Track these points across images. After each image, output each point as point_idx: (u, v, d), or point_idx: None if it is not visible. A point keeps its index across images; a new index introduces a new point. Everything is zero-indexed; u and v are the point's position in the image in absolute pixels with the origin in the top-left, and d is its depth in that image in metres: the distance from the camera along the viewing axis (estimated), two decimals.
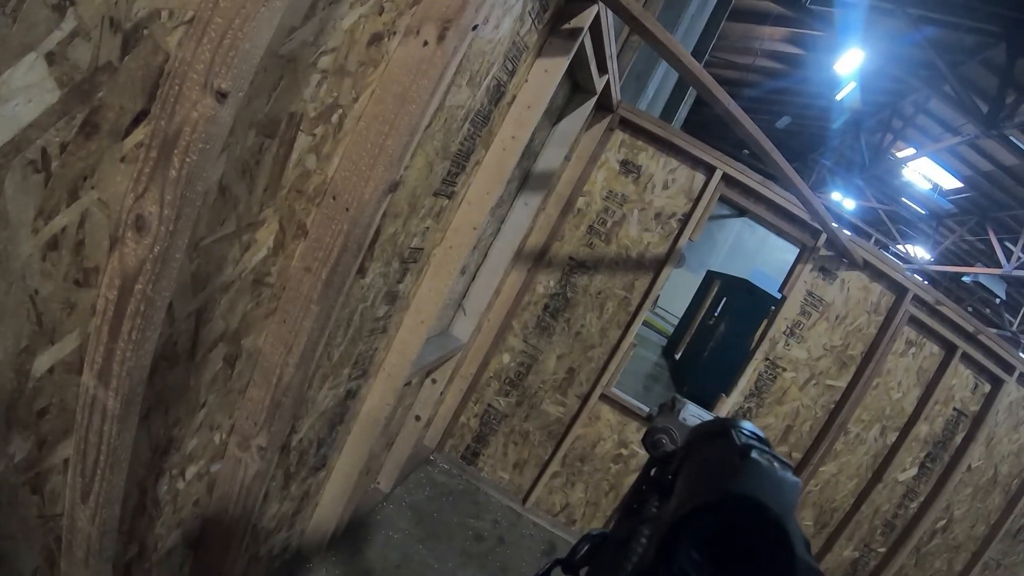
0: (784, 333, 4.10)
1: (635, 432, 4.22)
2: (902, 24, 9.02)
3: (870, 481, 4.34)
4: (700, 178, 3.99)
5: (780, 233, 4.13)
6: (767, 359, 4.13)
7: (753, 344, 4.23)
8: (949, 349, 4.18)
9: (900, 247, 18.16)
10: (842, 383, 4.17)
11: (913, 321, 4.10)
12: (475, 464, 4.38)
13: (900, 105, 12.10)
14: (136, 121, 0.96)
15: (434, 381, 3.49)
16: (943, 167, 12.85)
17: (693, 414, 1.03)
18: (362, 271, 1.95)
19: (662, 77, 6.38)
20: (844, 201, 17.73)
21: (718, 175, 3.93)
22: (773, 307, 10.94)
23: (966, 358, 4.20)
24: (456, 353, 3.48)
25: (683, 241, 3.98)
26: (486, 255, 3.47)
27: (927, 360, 4.21)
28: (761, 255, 20.80)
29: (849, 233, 3.97)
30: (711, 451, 0.66)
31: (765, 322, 4.25)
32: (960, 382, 4.27)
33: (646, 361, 12.92)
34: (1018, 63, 8.07)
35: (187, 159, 0.97)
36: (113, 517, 1.22)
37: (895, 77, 10.85)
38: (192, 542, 1.78)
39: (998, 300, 15.23)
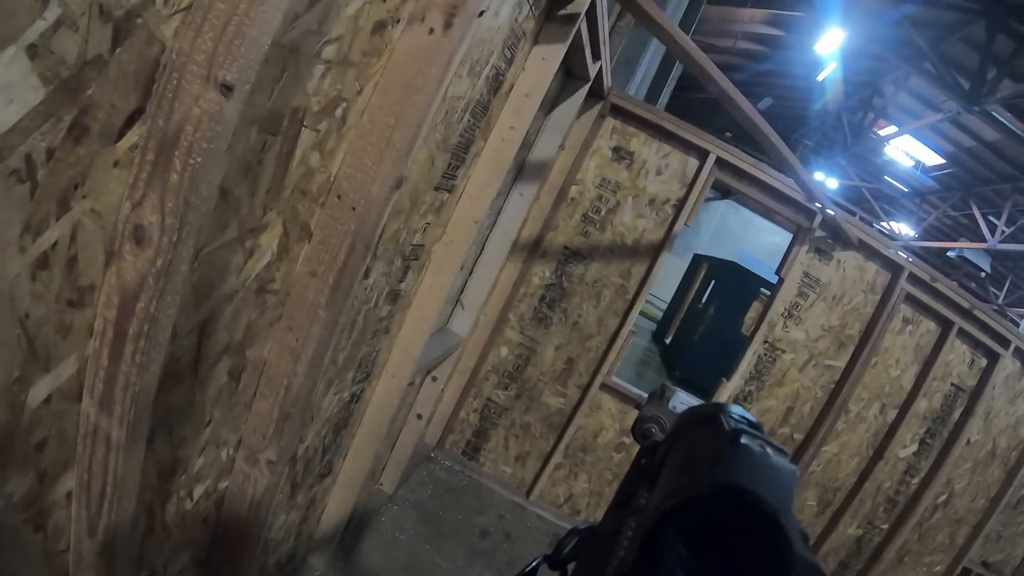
0: (782, 315, 4.09)
1: None
2: (881, 2, 9.03)
3: (871, 459, 4.35)
4: (693, 163, 3.97)
5: (774, 215, 4.11)
6: (766, 342, 4.12)
7: (751, 327, 4.23)
8: (945, 325, 4.19)
9: (884, 224, 18.26)
10: (841, 363, 4.17)
11: (909, 299, 4.10)
12: (476, 459, 4.35)
13: (881, 84, 12.12)
14: (130, 121, 0.87)
15: (434, 378, 3.45)
16: (925, 144, 12.89)
17: (683, 401, 0.99)
18: (366, 272, 1.89)
19: (649, 62, 6.33)
20: (827, 181, 17.80)
21: (712, 159, 3.90)
22: (763, 288, 10.97)
23: (962, 333, 4.21)
24: (456, 349, 3.45)
25: (679, 227, 3.96)
26: (483, 248, 3.43)
27: (924, 337, 4.22)
28: (747, 236, 20.83)
29: (841, 212, 3.94)
30: (698, 438, 0.62)
31: (762, 305, 4.24)
32: (957, 357, 4.28)
33: (636, 346, 12.93)
34: (997, 39, 8.07)
35: (190, 161, 0.88)
36: (123, 548, 1.15)
37: (876, 56, 10.85)
38: (201, 561, 1.72)
39: (983, 274, 15.35)
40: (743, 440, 0.52)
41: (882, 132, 13.39)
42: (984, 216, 13.63)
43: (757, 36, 12.74)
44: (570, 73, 3.27)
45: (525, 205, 3.39)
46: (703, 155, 3.93)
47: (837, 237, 3.99)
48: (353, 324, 2.00)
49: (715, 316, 10.79)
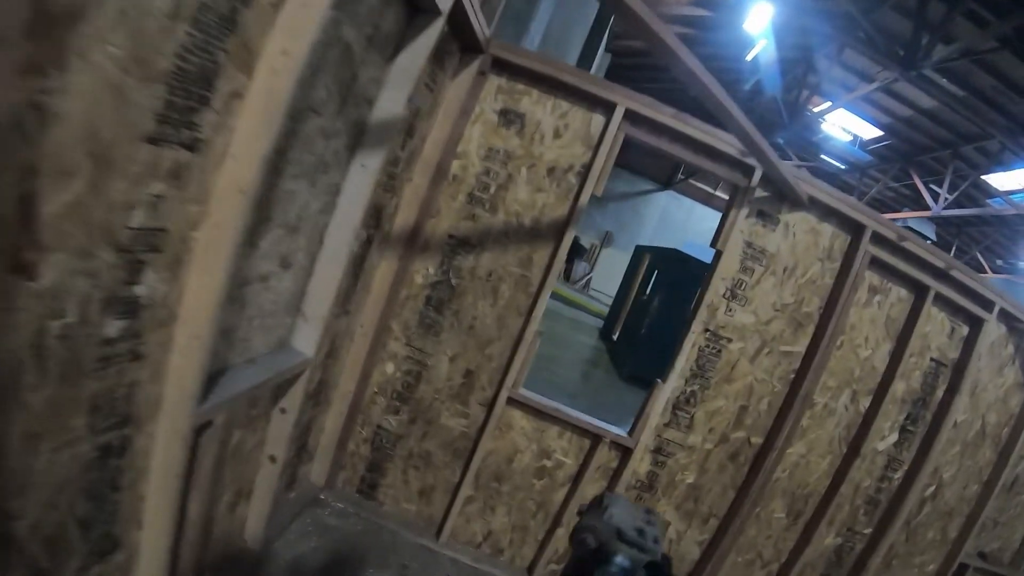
0: (724, 296, 3.38)
1: (556, 438, 3.46)
2: None
3: (846, 456, 3.67)
4: (599, 119, 3.24)
5: (705, 173, 3.41)
6: (707, 330, 3.40)
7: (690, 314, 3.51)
8: (919, 291, 3.53)
9: None
10: (800, 347, 3.47)
11: (875, 263, 3.43)
12: (374, 498, 3.57)
13: (813, 59, 11.89)
14: None
15: (283, 411, 2.63)
16: (862, 117, 12.71)
17: (621, 509, 1.17)
18: (22, 269, 1.14)
19: (549, 21, 5.56)
20: None
21: (619, 113, 3.18)
22: (707, 273, 10.51)
23: (939, 299, 3.56)
24: (303, 370, 2.61)
25: (585, 197, 3.21)
26: (322, 241, 2.59)
27: (895, 307, 3.55)
28: (691, 226, 21.08)
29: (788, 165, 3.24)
30: None
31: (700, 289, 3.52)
32: (935, 328, 3.62)
33: (584, 346, 12.38)
34: (930, 5, 7.95)
35: None
36: None
37: (807, 30, 10.60)
38: None
39: (929, 242, 15.20)
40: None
41: (817, 109, 13.14)
42: (926, 184, 13.54)
43: (685, 19, 12.37)
44: (416, 8, 2.49)
45: (370, 180, 2.57)
46: (609, 109, 3.20)
47: (783, 196, 3.30)
48: (39, 351, 1.27)
49: (659, 308, 10.22)
